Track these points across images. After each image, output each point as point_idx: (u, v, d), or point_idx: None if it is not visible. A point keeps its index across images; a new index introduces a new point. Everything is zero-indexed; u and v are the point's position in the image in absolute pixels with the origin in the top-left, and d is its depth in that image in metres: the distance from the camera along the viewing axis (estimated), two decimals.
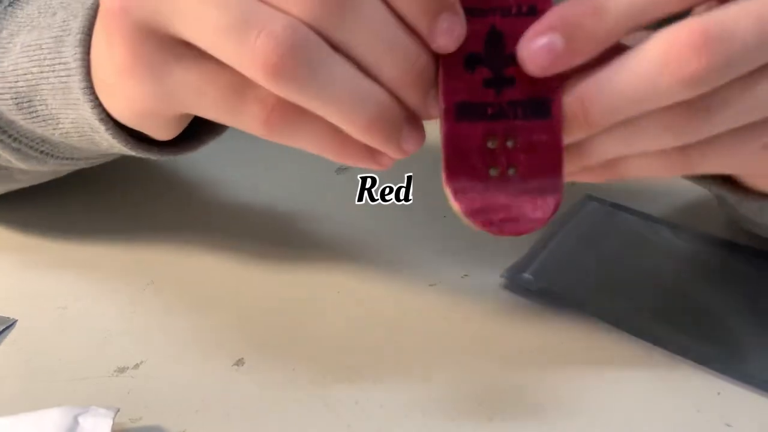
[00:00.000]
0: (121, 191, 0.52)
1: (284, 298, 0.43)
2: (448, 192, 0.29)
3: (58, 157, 0.43)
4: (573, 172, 0.30)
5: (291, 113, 0.29)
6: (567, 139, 0.28)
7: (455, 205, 0.29)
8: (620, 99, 0.27)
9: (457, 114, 0.28)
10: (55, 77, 0.38)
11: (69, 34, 0.37)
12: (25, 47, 0.39)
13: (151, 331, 0.41)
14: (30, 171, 0.45)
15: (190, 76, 0.30)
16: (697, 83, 0.27)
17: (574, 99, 0.28)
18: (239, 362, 0.39)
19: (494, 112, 0.28)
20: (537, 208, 0.29)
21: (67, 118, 0.39)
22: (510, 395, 0.37)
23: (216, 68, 0.30)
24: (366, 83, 0.28)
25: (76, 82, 0.37)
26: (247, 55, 0.27)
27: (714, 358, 0.38)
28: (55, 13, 0.39)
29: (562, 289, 0.42)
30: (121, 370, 0.38)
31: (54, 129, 0.40)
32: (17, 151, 0.42)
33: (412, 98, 0.29)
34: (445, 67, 0.28)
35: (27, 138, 0.42)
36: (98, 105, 0.37)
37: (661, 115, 0.28)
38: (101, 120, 0.37)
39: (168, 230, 0.47)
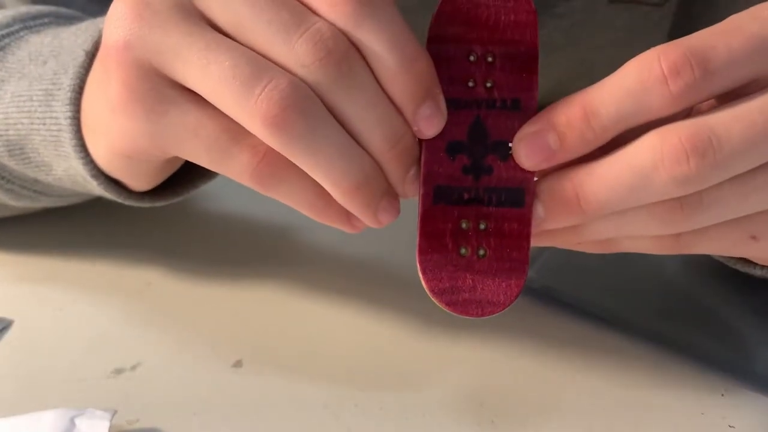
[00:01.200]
0: None
1: (283, 299, 0.43)
2: (418, 268, 0.30)
3: (51, 195, 0.44)
4: (566, 246, 0.32)
5: (280, 166, 0.30)
6: (562, 224, 0.30)
7: (423, 283, 0.30)
8: (615, 191, 0.28)
9: (435, 197, 0.30)
10: (46, 130, 0.38)
11: (59, 89, 0.38)
12: (15, 97, 0.39)
13: (148, 333, 0.41)
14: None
15: (186, 118, 0.31)
16: (689, 183, 0.27)
17: (570, 189, 0.29)
18: (238, 364, 0.39)
19: (470, 197, 0.30)
20: (501, 292, 0.30)
21: (59, 167, 0.40)
22: (512, 396, 0.37)
23: (212, 113, 0.30)
24: (356, 150, 0.29)
25: (67, 139, 0.38)
26: (249, 107, 0.28)
27: (718, 356, 0.38)
28: (45, 62, 0.39)
29: (565, 287, 0.42)
30: (119, 371, 0.38)
31: (47, 174, 0.41)
32: (10, 191, 0.43)
33: (393, 173, 0.30)
34: (428, 151, 0.30)
35: (20, 179, 0.43)
36: (90, 162, 0.38)
37: (654, 207, 0.29)
38: (93, 176, 0.38)
39: (166, 232, 0.47)
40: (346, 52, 0.28)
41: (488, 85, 0.30)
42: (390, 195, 0.31)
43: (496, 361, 0.39)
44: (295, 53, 0.28)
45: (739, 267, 0.37)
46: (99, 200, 0.49)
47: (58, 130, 0.38)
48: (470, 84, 0.30)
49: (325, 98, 0.28)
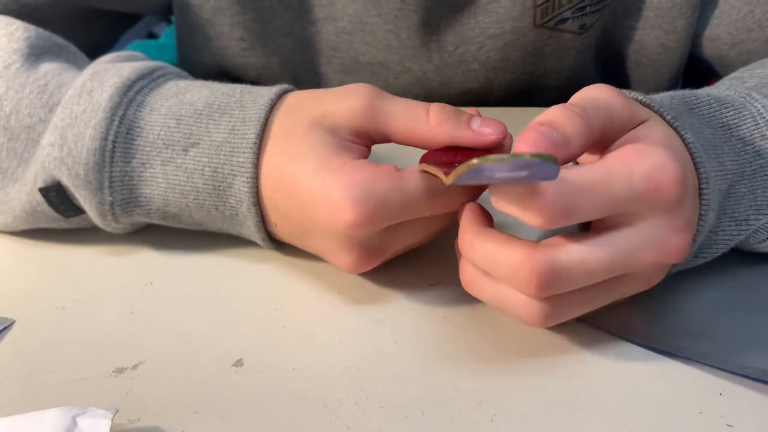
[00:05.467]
0: None
1: (283, 298, 0.43)
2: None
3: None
4: None
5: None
6: None
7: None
8: None
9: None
10: (218, 212, 0.43)
11: (230, 187, 0.42)
12: (173, 185, 0.43)
13: (149, 332, 0.41)
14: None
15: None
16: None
17: None
18: (238, 363, 0.39)
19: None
20: None
21: (214, 226, 0.45)
22: (510, 395, 0.37)
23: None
24: None
25: (254, 233, 0.44)
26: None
27: (710, 354, 0.38)
28: (186, 150, 0.43)
29: None
30: (120, 370, 0.38)
31: (189, 227, 0.46)
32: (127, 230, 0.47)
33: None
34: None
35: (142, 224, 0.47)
36: (268, 238, 0.44)
37: None
38: (264, 241, 0.44)
39: (167, 230, 0.47)
40: None
41: None
42: None
43: (495, 360, 0.39)
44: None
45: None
46: None
47: (235, 214, 0.43)
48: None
49: None
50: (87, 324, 0.41)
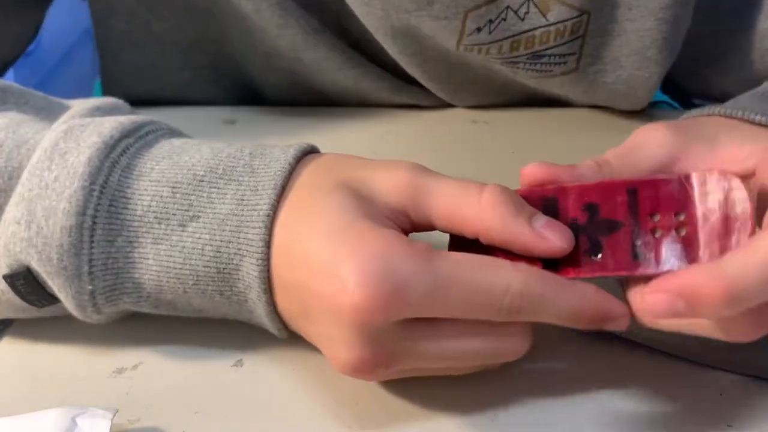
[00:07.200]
0: None
1: None
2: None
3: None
4: None
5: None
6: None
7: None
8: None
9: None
10: (224, 298, 0.36)
11: (238, 270, 0.35)
12: (166, 268, 0.36)
13: (149, 332, 0.41)
14: None
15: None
16: None
17: None
18: (238, 363, 0.39)
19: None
20: None
21: (218, 312, 0.38)
22: (510, 396, 0.37)
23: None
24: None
25: (267, 323, 0.37)
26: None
27: (712, 357, 0.38)
28: (183, 226, 0.35)
29: None
30: (120, 370, 0.38)
31: (187, 314, 0.39)
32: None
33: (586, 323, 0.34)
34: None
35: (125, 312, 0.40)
36: (284, 327, 0.37)
37: None
38: (279, 330, 0.37)
39: None
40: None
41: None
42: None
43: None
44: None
45: None
46: None
47: (243, 301, 0.36)
48: None
49: None
50: (86, 324, 0.41)
